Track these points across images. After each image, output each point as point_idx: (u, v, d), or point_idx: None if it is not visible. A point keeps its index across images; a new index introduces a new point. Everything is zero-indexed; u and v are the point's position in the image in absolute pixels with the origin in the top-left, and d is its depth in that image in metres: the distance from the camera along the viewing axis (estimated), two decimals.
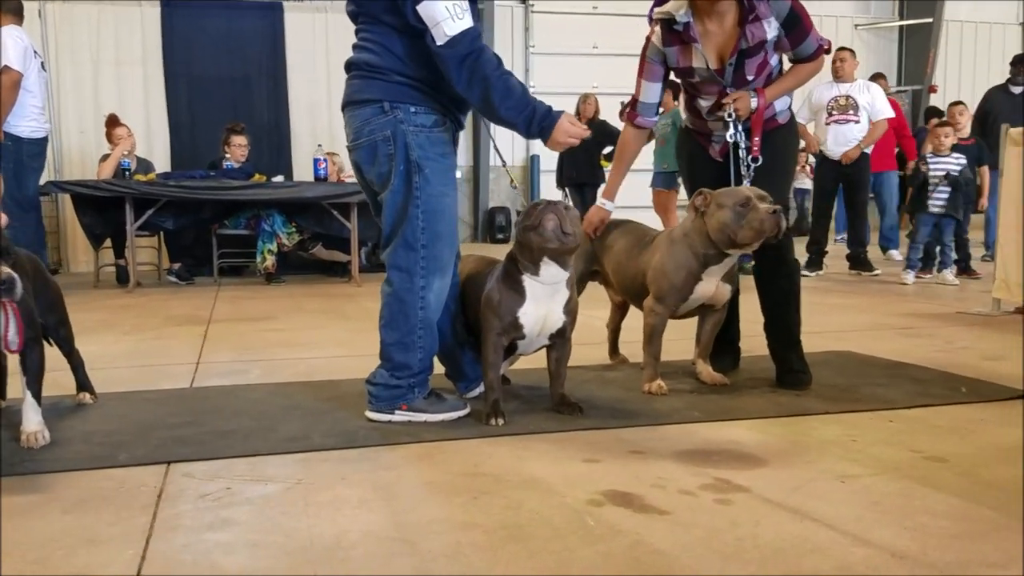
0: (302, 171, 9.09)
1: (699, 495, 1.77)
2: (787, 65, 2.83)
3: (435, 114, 2.34)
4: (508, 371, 2.71)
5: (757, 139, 2.74)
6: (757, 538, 1.55)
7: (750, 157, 2.73)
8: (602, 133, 7.84)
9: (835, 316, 4.32)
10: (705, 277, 2.66)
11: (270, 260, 6.58)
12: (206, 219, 6.54)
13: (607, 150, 7.84)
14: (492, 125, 2.32)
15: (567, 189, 8.16)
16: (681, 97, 2.94)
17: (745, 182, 2.69)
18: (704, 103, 2.81)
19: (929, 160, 5.89)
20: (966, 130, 6.53)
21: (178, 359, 3.45)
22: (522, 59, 11.30)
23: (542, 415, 2.41)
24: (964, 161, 5.86)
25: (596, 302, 3.11)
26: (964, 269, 6.21)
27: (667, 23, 2.73)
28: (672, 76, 2.87)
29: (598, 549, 1.50)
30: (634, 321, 3.03)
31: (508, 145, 10.44)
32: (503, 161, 2.67)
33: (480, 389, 2.53)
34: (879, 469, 1.93)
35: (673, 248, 2.70)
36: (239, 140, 6.88)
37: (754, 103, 2.71)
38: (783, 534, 1.56)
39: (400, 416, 2.36)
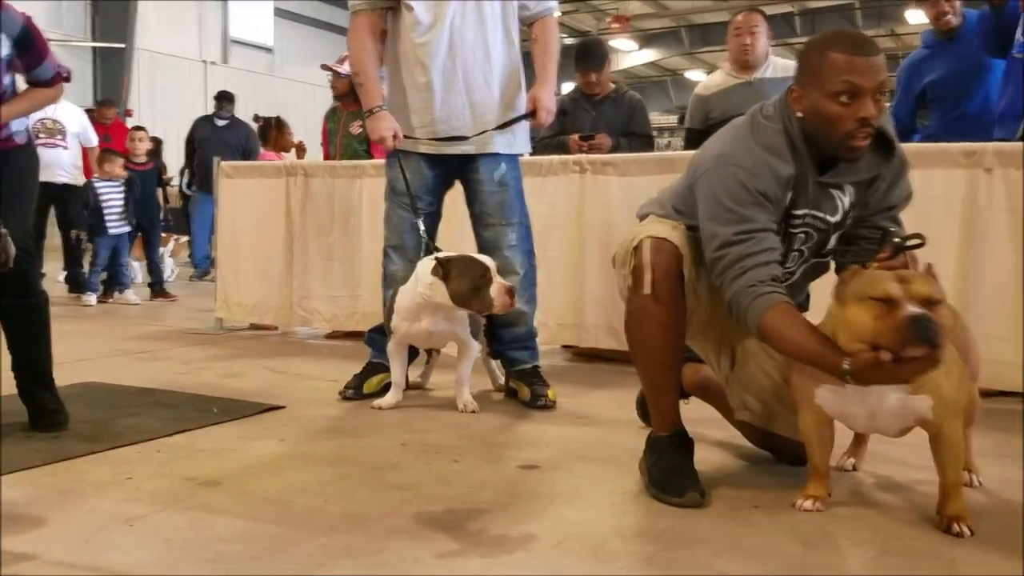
0: None
1: None
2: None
3: None
4: None
5: None
6: None
7: None
8: None
9: (69, 344, 4.08)
10: None
11: None
12: None
13: None
14: None
15: None
16: None
17: None
18: None
19: (98, 185, 6.13)
20: (143, 156, 6.90)
21: None
22: None
23: None
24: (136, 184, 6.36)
25: None
26: (160, 292, 6.54)
27: None
28: None
29: None
30: None
31: None
32: None
33: None
34: (163, 504, 1.93)
35: None
36: None
37: None
38: None
39: None
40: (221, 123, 7.95)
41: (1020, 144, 3.15)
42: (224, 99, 8.03)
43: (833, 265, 2.14)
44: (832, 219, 2.03)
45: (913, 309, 1.63)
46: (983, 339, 2.92)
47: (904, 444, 2.03)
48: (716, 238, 1.94)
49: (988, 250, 3.04)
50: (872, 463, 2.24)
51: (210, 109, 8.57)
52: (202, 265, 8.23)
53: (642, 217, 2.22)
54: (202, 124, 8.11)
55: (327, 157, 5.18)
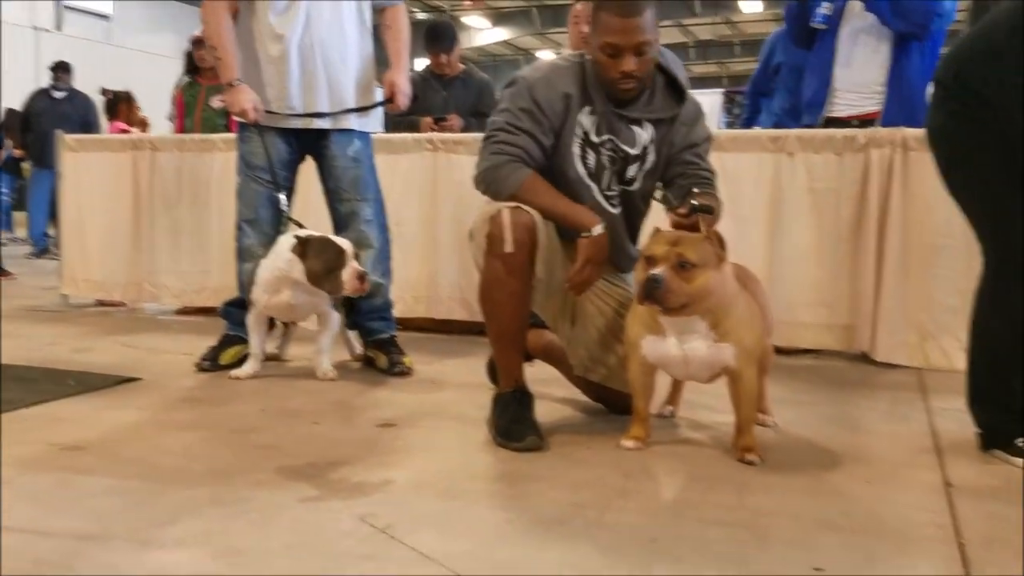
0: None
1: None
2: None
3: None
4: None
5: None
6: None
7: None
8: None
9: None
10: None
11: None
12: None
13: None
14: None
15: None
16: None
17: None
18: None
19: None
20: None
21: None
22: None
23: None
24: None
25: None
26: None
27: None
28: None
29: None
30: None
31: None
32: None
33: None
34: (27, 468, 1.98)
35: None
36: None
37: None
38: None
39: None
40: (59, 95, 7.59)
41: (819, 131, 3.58)
42: (61, 69, 7.66)
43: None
44: (631, 151, 2.37)
45: (653, 272, 1.95)
46: (784, 303, 3.35)
47: (712, 392, 2.35)
48: (491, 125, 2.32)
49: (790, 225, 3.45)
50: (685, 410, 2.57)
51: (43, 79, 8.15)
52: (40, 243, 7.85)
53: None
54: (38, 97, 7.71)
55: (181, 130, 5.10)
